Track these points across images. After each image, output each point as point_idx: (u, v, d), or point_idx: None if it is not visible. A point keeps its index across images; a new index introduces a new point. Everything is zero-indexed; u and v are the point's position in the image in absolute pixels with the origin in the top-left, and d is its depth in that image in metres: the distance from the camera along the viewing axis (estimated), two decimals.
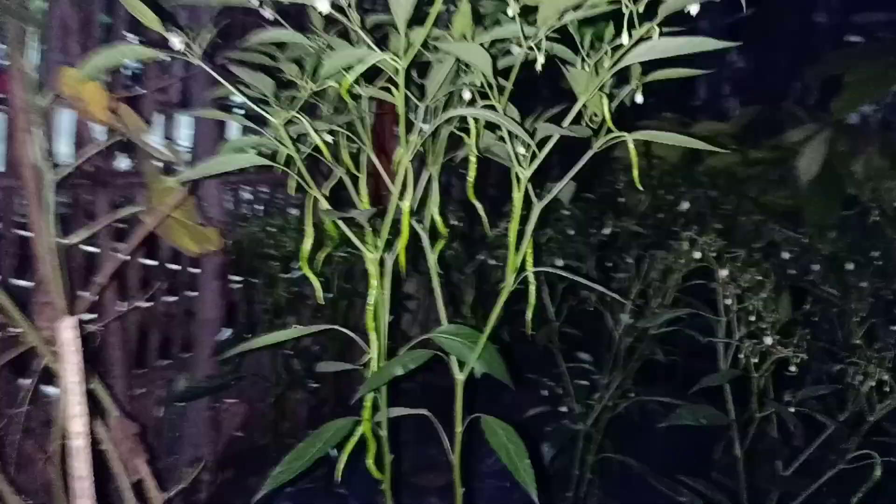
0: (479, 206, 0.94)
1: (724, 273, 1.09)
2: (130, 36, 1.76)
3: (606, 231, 1.46)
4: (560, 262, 1.50)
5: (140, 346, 1.77)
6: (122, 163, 1.76)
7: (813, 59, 4.48)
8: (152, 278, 1.77)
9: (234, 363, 1.61)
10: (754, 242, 1.44)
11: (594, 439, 1.39)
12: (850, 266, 1.41)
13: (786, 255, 1.38)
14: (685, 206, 1.56)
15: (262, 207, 2.07)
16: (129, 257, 1.59)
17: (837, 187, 1.96)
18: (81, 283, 1.55)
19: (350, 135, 0.85)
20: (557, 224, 1.49)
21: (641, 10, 0.63)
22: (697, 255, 1.13)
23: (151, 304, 1.77)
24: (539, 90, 0.99)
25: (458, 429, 0.91)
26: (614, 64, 0.69)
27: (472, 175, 0.91)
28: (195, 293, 1.82)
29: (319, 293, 0.85)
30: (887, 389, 0.99)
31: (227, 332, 1.57)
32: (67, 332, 0.66)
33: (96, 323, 1.55)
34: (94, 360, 1.62)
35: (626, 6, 0.63)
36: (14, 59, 1.08)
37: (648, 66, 0.77)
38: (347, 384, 2.02)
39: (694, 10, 0.62)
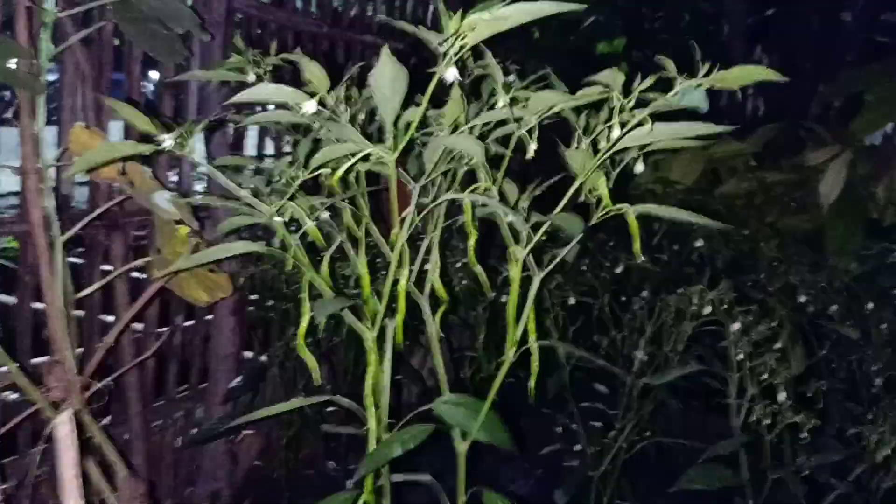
0: (479, 270, 0.94)
1: (735, 327, 1.07)
2: (145, 83, 1.79)
3: (619, 270, 1.45)
4: (572, 300, 1.49)
5: (157, 375, 1.79)
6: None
7: (839, 59, 4.37)
8: (168, 304, 1.78)
9: (248, 403, 1.62)
10: (770, 284, 1.41)
11: (609, 482, 1.38)
12: (869, 305, 1.38)
13: (802, 299, 1.35)
14: (699, 243, 1.53)
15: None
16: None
17: (859, 211, 1.91)
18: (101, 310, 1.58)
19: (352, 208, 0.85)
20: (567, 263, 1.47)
21: (632, 105, 0.62)
22: (707, 309, 1.12)
23: (167, 329, 1.79)
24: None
25: (461, 500, 0.90)
26: (609, 149, 0.68)
27: (471, 241, 0.90)
28: (211, 316, 1.83)
29: (316, 374, 0.85)
30: None
31: (237, 380, 1.58)
32: (64, 428, 0.67)
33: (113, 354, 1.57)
34: (109, 399, 1.66)
35: (617, 99, 0.62)
36: (23, 123, 1.10)
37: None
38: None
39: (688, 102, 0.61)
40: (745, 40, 4.68)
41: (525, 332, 0.86)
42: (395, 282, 0.84)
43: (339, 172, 0.66)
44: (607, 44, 3.05)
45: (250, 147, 2.14)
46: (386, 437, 0.89)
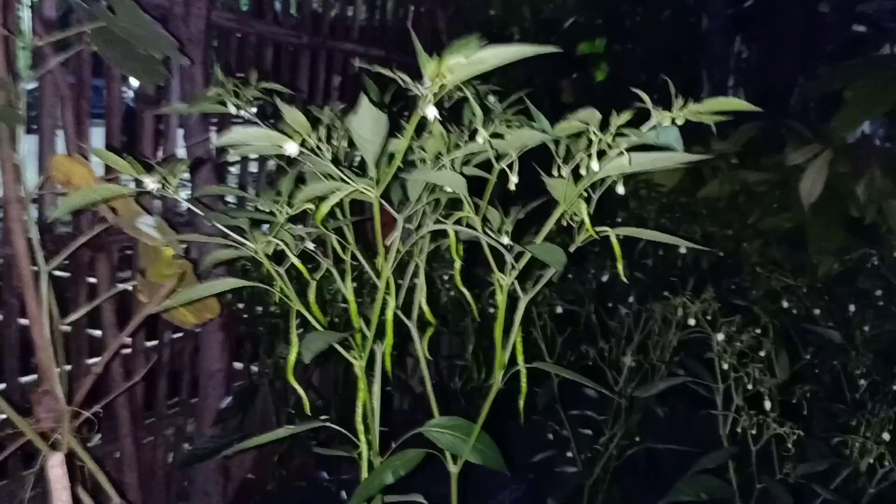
0: (466, 292, 0.94)
1: (720, 337, 1.08)
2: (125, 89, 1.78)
3: (604, 278, 1.46)
4: (559, 309, 1.50)
5: (147, 389, 1.78)
6: None
7: (819, 50, 4.40)
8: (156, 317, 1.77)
9: (239, 421, 1.62)
10: (753, 288, 1.43)
11: (600, 489, 1.39)
12: (852, 308, 1.40)
13: (785, 304, 1.37)
14: (682, 249, 1.55)
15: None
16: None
17: (839, 210, 1.93)
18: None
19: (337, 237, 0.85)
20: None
21: (610, 140, 0.63)
22: (692, 321, 1.13)
23: (155, 343, 1.79)
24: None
25: None
26: (590, 178, 0.69)
27: (457, 265, 0.91)
28: (199, 328, 1.82)
29: (307, 405, 0.85)
30: (887, 464, 0.99)
31: (227, 400, 1.58)
32: (56, 470, 0.67)
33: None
34: (99, 418, 1.65)
35: (595, 135, 0.63)
36: (4, 153, 1.09)
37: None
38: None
39: (668, 137, 0.61)
40: (725, 32, 4.70)
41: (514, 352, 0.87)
42: (383, 308, 0.84)
43: (324, 209, 0.66)
44: (588, 44, 3.06)
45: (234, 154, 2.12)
46: (377, 460, 0.90)
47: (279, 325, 1.70)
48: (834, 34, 4.75)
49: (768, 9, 4.66)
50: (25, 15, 1.14)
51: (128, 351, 1.71)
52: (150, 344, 1.79)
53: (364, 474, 0.86)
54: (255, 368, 1.89)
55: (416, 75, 0.59)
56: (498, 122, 0.69)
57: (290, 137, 0.60)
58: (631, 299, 1.43)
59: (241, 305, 1.79)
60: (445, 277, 1.50)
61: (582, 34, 3.14)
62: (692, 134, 0.71)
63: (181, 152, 1.69)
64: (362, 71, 2.24)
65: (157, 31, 1.17)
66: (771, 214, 1.97)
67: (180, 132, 1.74)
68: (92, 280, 1.61)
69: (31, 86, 1.60)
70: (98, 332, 1.62)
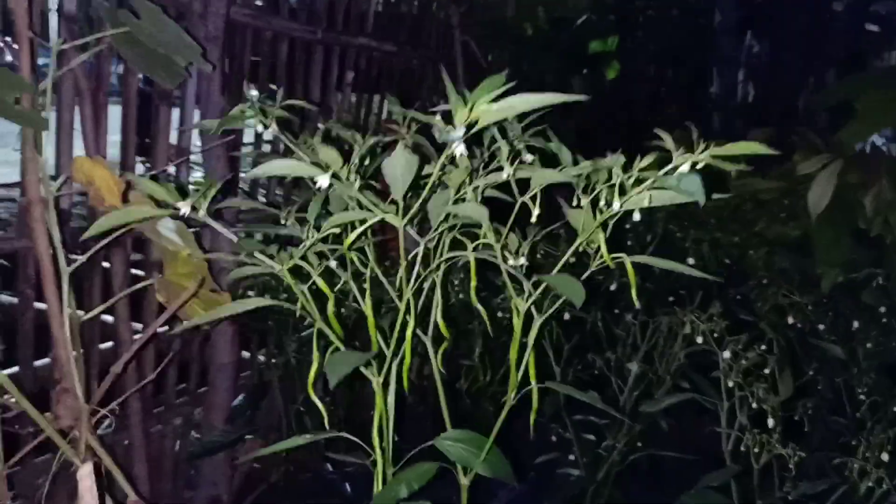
0: (482, 309, 0.96)
1: (726, 355, 1.10)
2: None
3: (612, 287, 1.48)
4: (567, 316, 1.52)
5: (156, 378, 1.81)
6: None
7: (831, 49, 4.39)
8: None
9: (248, 415, 1.65)
10: (759, 300, 1.45)
11: (601, 494, 1.42)
12: (856, 324, 1.42)
13: (790, 320, 1.39)
14: (690, 261, 1.56)
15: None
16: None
17: (847, 221, 1.94)
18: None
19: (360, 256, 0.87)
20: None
21: (631, 182, 0.64)
22: (699, 339, 1.15)
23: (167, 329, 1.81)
24: None
25: None
26: (609, 213, 0.71)
27: (473, 284, 0.93)
28: None
29: (326, 419, 0.88)
30: (885, 486, 1.01)
31: (239, 398, 1.61)
32: (86, 481, 0.69)
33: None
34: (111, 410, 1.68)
35: (617, 175, 0.64)
36: (27, 154, 1.11)
37: None
38: (362, 408, 2.04)
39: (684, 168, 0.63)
40: (737, 29, 4.69)
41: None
42: (403, 326, 0.86)
43: (352, 237, 0.69)
44: (601, 43, 3.05)
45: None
46: (390, 470, 0.93)
47: (289, 320, 1.72)
48: (846, 33, 4.73)
49: (780, 6, 4.65)
50: (52, 17, 1.15)
51: (138, 336, 1.73)
52: (159, 329, 1.81)
53: (378, 483, 0.89)
54: (262, 358, 1.92)
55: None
56: (518, 143, 0.71)
57: (323, 169, 0.62)
58: (637, 306, 1.45)
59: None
60: (456, 281, 1.52)
61: (594, 32, 3.13)
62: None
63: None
64: (379, 76, 2.24)
65: (181, 36, 1.18)
66: (778, 223, 1.98)
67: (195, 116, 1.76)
68: (106, 264, 1.63)
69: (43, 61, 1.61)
70: (110, 318, 1.65)
